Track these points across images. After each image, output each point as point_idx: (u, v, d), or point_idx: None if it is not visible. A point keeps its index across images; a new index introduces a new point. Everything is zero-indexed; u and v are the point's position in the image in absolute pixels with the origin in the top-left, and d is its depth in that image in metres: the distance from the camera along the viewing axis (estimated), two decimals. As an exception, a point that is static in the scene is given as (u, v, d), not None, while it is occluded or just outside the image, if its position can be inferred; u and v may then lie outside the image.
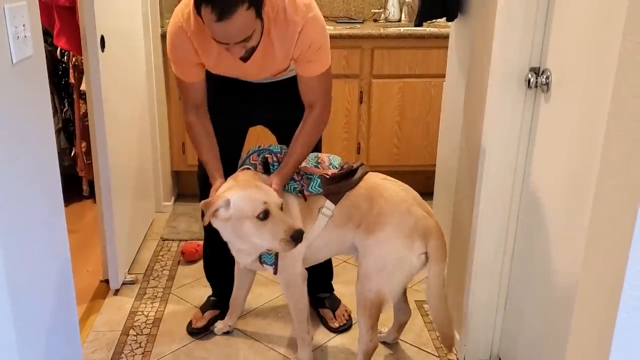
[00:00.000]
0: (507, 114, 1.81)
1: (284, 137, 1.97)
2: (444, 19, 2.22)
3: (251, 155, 1.93)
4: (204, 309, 2.32)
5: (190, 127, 1.96)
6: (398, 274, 1.85)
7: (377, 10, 3.88)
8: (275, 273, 1.91)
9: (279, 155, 1.91)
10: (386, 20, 3.83)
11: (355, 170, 1.92)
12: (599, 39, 1.46)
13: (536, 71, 1.75)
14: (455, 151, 2.23)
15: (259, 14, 1.65)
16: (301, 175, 1.89)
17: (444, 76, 2.52)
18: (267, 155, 1.91)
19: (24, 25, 1.31)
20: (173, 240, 3.01)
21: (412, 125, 3.44)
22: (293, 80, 1.92)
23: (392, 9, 3.81)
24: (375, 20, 3.87)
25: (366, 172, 1.94)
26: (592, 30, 1.50)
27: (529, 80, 1.75)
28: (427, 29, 3.31)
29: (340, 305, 2.37)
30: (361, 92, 3.37)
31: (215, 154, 1.94)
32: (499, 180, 1.88)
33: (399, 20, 3.82)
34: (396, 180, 1.97)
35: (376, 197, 1.87)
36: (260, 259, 1.89)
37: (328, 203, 1.88)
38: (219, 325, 2.26)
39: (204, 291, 2.42)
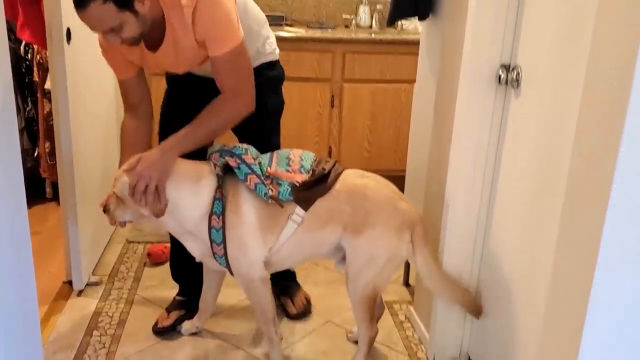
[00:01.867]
0: (478, 110, 1.83)
1: (245, 126, 1.91)
2: (416, 18, 2.24)
3: (213, 155, 1.85)
4: (169, 309, 2.27)
5: (122, 129, 1.98)
6: (390, 265, 1.88)
7: (348, 16, 3.90)
8: (232, 275, 1.88)
9: (243, 156, 1.82)
10: (357, 26, 3.85)
11: (328, 174, 1.86)
12: (568, 36, 1.48)
13: (507, 67, 1.77)
14: (426, 155, 2.23)
15: (124, 6, 1.62)
16: (271, 179, 1.82)
17: (414, 82, 2.53)
18: (227, 158, 1.82)
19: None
20: (139, 242, 2.93)
21: (383, 130, 3.46)
22: None
23: (363, 15, 3.84)
24: (347, 26, 3.89)
25: (340, 173, 1.88)
26: (561, 26, 1.52)
27: (500, 77, 1.77)
28: (397, 36, 3.35)
29: (300, 291, 2.37)
30: (332, 95, 3.38)
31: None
32: (468, 177, 1.89)
33: (370, 27, 3.85)
34: (372, 174, 1.93)
35: (359, 199, 1.83)
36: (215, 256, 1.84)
37: (298, 209, 1.82)
38: (186, 326, 2.21)
39: (171, 293, 2.36)
